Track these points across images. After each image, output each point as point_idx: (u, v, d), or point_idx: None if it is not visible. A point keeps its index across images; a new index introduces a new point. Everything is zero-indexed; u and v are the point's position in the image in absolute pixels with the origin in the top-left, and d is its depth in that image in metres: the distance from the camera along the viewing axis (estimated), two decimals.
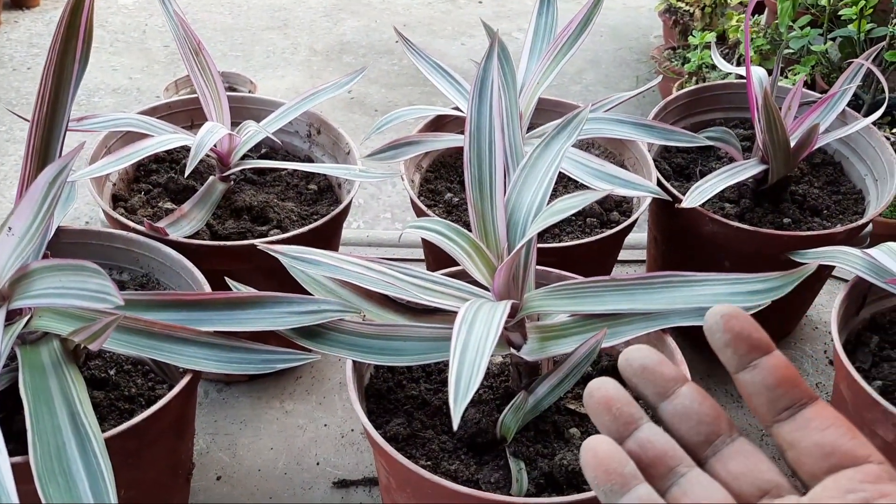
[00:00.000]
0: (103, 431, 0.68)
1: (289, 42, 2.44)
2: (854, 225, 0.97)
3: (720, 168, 1.01)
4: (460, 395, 0.56)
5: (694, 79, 2.00)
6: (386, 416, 0.79)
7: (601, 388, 0.36)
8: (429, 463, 0.74)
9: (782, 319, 1.15)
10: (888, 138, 1.51)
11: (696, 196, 0.94)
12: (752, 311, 0.72)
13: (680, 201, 0.96)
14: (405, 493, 0.75)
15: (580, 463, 0.35)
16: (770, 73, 1.06)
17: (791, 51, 1.89)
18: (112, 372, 0.81)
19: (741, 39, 2.01)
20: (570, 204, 0.64)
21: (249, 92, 1.79)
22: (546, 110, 1.11)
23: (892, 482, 0.32)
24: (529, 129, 1.06)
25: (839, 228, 0.98)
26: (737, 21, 2.10)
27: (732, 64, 2.08)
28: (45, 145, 0.70)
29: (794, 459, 0.34)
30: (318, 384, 1.10)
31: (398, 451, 0.72)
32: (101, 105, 2.05)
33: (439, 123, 1.11)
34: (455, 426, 0.54)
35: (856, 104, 1.78)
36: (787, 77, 1.88)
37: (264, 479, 0.97)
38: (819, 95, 1.09)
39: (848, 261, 0.87)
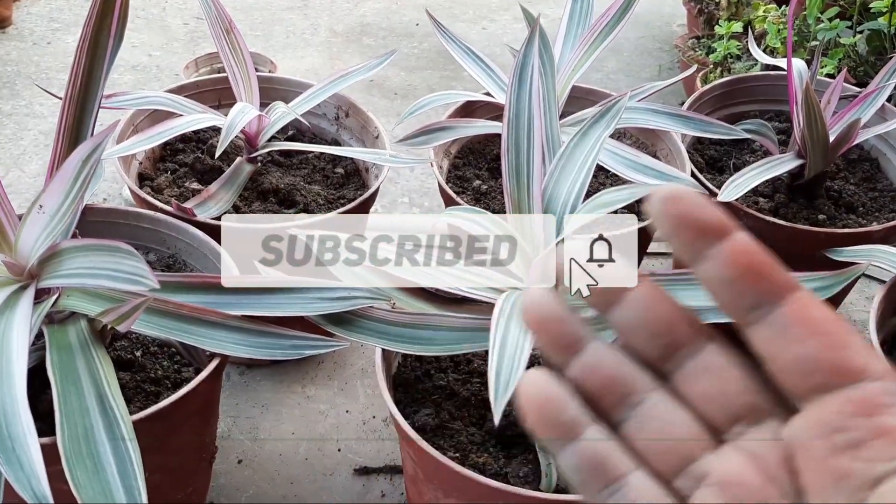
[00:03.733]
0: (130, 414, 0.68)
1: (308, 23, 2.42)
2: (892, 223, 0.96)
3: (755, 161, 1.00)
4: (500, 391, 0.55)
5: (719, 69, 1.98)
6: (413, 405, 0.78)
7: (532, 307, 0.28)
8: (457, 455, 0.73)
9: None
10: None
11: (731, 190, 0.92)
12: None
13: (713, 195, 0.94)
14: (432, 484, 0.74)
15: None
16: (809, 64, 1.04)
17: (816, 42, 1.86)
18: (138, 353, 0.80)
19: (768, 30, 1.98)
20: (616, 198, 0.63)
21: (269, 72, 1.78)
22: (578, 98, 1.09)
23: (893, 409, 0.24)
24: (562, 116, 1.04)
25: (876, 227, 0.96)
26: (763, 11, 2.07)
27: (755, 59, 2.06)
28: (77, 123, 0.69)
29: (774, 375, 0.26)
30: (339, 369, 1.09)
31: (427, 441, 0.71)
32: (119, 82, 2.03)
33: (469, 109, 1.10)
34: (497, 422, 0.53)
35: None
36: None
37: (285, 464, 0.97)
38: (858, 90, 1.07)
39: (887, 260, 0.85)
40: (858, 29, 1.82)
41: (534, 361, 0.83)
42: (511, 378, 0.56)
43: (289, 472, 0.96)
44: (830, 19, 1.87)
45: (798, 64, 1.03)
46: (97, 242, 0.64)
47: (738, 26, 2.19)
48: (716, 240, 0.26)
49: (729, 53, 2.10)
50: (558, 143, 0.80)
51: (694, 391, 0.27)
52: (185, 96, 1.00)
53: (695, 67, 1.15)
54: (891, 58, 1.79)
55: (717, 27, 2.19)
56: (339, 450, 0.99)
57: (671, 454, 0.27)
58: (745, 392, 0.27)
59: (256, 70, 1.81)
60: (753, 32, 2.19)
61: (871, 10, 1.74)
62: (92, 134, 0.69)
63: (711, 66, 2.01)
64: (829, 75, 1.73)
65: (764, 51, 2.08)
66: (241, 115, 0.86)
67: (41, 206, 0.65)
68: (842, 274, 0.68)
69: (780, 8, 2.12)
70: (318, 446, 0.99)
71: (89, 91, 0.68)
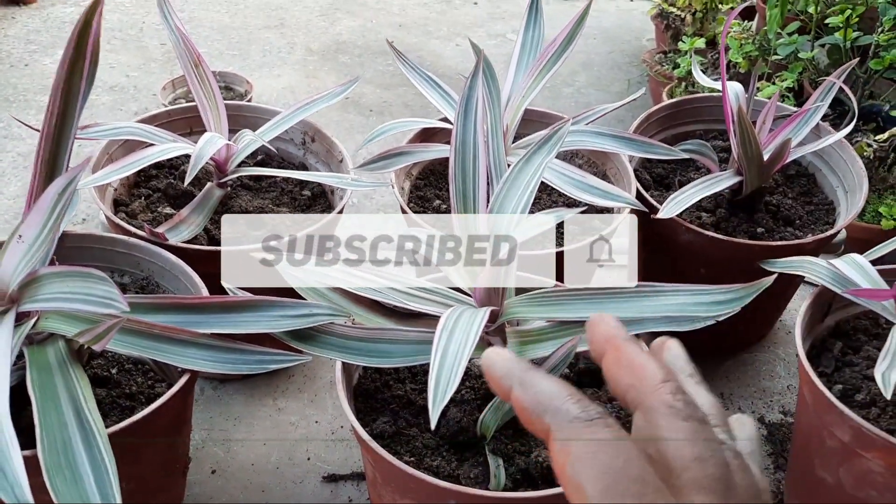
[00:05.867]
0: (106, 427, 0.73)
1: (285, 41, 2.47)
2: (822, 236, 1.02)
3: (697, 179, 1.06)
4: (438, 398, 0.60)
5: (683, 84, 2.05)
6: (373, 414, 0.84)
7: None
8: (412, 459, 0.79)
9: (758, 323, 1.20)
10: (870, 145, 1.55)
11: (671, 206, 0.99)
12: (724, 318, 0.77)
13: (656, 211, 1.01)
14: (390, 487, 0.79)
15: None
16: (768, 78, 1.11)
17: (779, 57, 1.93)
18: (114, 371, 0.85)
19: (730, 45, 2.05)
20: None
21: (245, 91, 1.83)
22: (533, 121, 1.15)
23: None
24: (516, 139, 1.10)
25: (807, 239, 1.03)
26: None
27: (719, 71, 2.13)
28: (53, 157, 0.74)
29: None
30: (309, 382, 1.14)
31: (384, 447, 0.77)
32: (97, 103, 2.08)
33: (428, 133, 1.16)
34: (433, 425, 0.58)
35: (842, 111, 1.82)
36: (773, 83, 1.93)
37: (257, 473, 1.02)
38: (794, 109, 1.14)
39: (814, 271, 0.92)
40: (817, 43, 1.89)
41: (469, 372, 0.89)
42: (449, 386, 0.62)
43: (260, 480, 1.01)
44: (791, 34, 1.94)
45: (734, 86, 1.10)
46: (73, 269, 0.70)
47: (700, 42, 2.27)
48: None
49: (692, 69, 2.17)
50: (504, 167, 0.86)
51: None
52: (157, 125, 1.06)
53: (643, 91, 1.21)
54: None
55: (680, 43, 2.26)
56: (308, 458, 1.04)
57: None
58: None
59: (233, 89, 1.87)
60: (717, 48, 2.26)
61: (830, 25, 1.81)
62: (67, 167, 0.75)
63: (676, 82, 2.08)
64: (788, 88, 1.80)
65: (727, 67, 2.16)
66: (209, 146, 0.91)
67: (20, 236, 0.70)
68: (750, 287, 0.74)
69: (743, 23, 2.20)
70: (289, 455, 1.04)
71: (64, 128, 0.74)
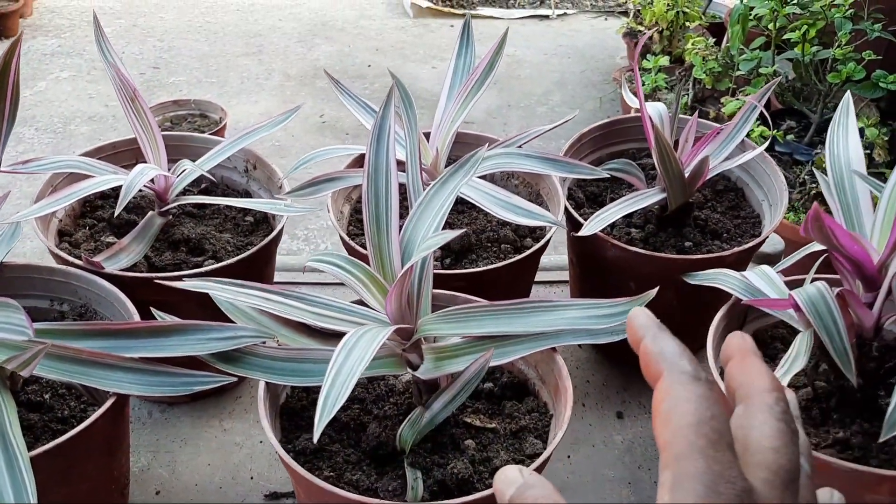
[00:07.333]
0: (35, 450, 0.76)
1: (263, 68, 2.52)
2: (741, 248, 1.05)
3: (625, 196, 1.09)
4: (326, 411, 0.64)
5: (649, 100, 2.08)
6: (297, 431, 0.87)
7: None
8: (332, 474, 0.82)
9: (693, 336, 1.23)
10: None
11: (595, 223, 1.02)
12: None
13: (580, 226, 1.04)
14: (310, 502, 0.82)
15: None
16: (733, 93, 1.14)
17: (742, 72, 1.97)
18: (47, 396, 0.88)
19: (694, 63, 2.09)
20: (434, 242, 0.72)
21: (220, 118, 1.87)
22: (468, 144, 1.19)
23: None
24: (450, 162, 1.13)
25: (727, 252, 1.06)
26: (692, 44, 2.18)
27: (688, 87, 2.18)
28: None
29: None
30: (256, 404, 1.16)
31: (305, 463, 0.80)
32: (77, 132, 2.13)
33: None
34: (315, 439, 0.62)
35: (807, 124, 1.86)
36: (737, 98, 1.97)
37: (201, 493, 1.05)
38: (716, 125, 1.17)
39: (728, 283, 0.95)
40: (779, 58, 1.93)
41: (393, 388, 0.92)
42: (337, 401, 0.65)
43: (204, 500, 1.04)
44: (753, 49, 1.98)
45: (657, 107, 1.13)
46: None
47: (664, 60, 2.31)
48: None
49: (657, 86, 2.22)
50: (420, 190, 0.89)
51: None
52: (103, 157, 1.10)
53: (577, 112, 1.25)
54: (806, 85, 1.90)
55: (644, 61, 2.30)
56: (251, 478, 1.07)
57: None
58: None
59: (208, 117, 1.91)
60: (684, 64, 2.31)
61: (791, 41, 1.85)
62: None
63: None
64: None
65: (692, 83, 2.21)
66: (140, 176, 0.95)
67: None
68: (635, 300, 0.78)
69: (708, 40, 2.24)
70: (232, 475, 1.07)
71: None
